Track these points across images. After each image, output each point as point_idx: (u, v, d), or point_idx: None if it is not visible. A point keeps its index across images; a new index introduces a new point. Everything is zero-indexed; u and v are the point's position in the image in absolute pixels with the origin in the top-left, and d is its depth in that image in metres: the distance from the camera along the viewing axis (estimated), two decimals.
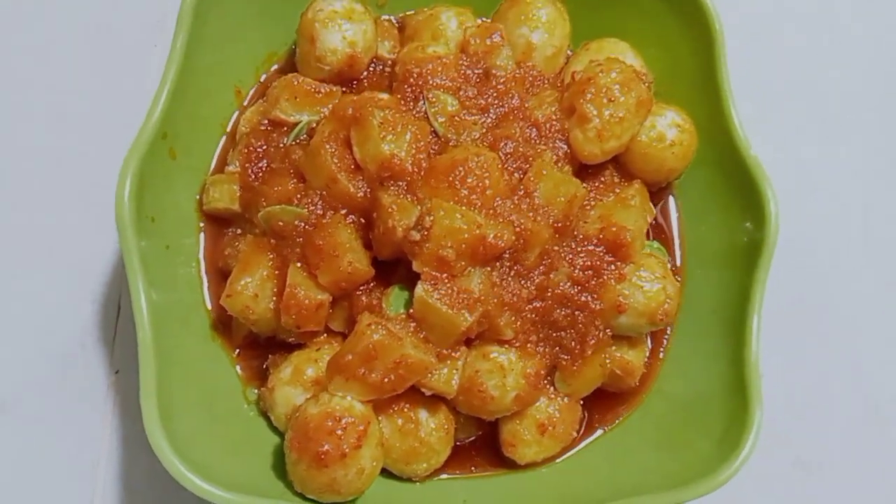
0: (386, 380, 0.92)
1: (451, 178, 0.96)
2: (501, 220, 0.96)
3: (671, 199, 1.18)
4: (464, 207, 0.95)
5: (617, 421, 1.09)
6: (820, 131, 1.38)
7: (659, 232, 1.16)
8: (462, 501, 1.01)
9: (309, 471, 0.90)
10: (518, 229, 0.96)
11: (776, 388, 1.19)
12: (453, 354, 0.97)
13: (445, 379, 0.96)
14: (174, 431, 0.92)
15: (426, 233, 0.92)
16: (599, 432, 1.09)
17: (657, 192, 1.15)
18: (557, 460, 1.06)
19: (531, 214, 0.98)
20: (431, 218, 0.92)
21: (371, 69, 1.13)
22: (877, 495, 1.24)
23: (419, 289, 0.93)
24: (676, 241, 1.16)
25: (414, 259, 0.94)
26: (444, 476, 1.05)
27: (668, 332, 1.13)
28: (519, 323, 0.98)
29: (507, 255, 0.97)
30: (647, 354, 1.11)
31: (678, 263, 1.15)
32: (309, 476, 0.91)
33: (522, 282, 0.98)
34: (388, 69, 1.13)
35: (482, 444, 1.07)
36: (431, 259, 0.93)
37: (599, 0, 1.16)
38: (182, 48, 1.02)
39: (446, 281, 0.94)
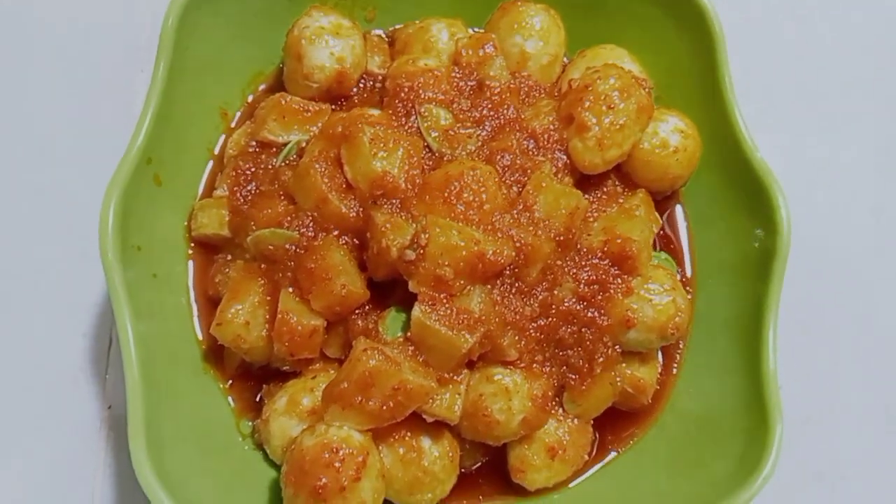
0: (384, 407, 0.88)
1: (446, 194, 0.92)
2: (500, 235, 0.92)
3: (678, 208, 1.13)
4: (460, 224, 0.91)
5: (630, 442, 1.04)
6: (826, 129, 1.34)
7: (667, 243, 1.12)
8: None
9: None
10: (518, 244, 0.92)
11: (791, 398, 1.14)
12: (455, 378, 0.92)
13: (448, 404, 0.92)
14: (165, 468, 0.87)
15: (422, 251, 0.88)
16: (612, 455, 1.04)
17: (663, 201, 1.11)
18: (569, 486, 1.01)
19: (531, 229, 0.94)
20: (427, 236, 0.88)
21: (361, 85, 1.09)
22: None
23: (416, 310, 0.89)
24: (686, 251, 1.12)
25: (410, 279, 0.90)
26: None
27: (681, 346, 1.08)
28: (523, 342, 0.94)
29: (507, 272, 0.93)
30: (660, 371, 1.06)
31: (689, 274, 1.11)
32: None
33: (525, 299, 0.94)
34: (378, 85, 1.09)
35: (489, 470, 1.02)
36: (428, 278, 0.89)
37: (594, 7, 1.13)
38: (164, 73, 0.99)
39: (444, 301, 0.89)
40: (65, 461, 1.13)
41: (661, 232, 1.12)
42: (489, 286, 0.92)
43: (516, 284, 0.93)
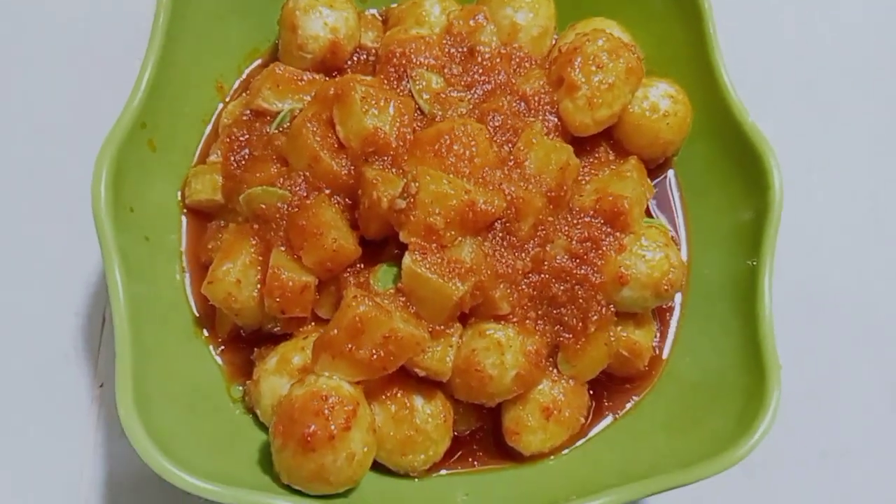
0: (375, 356, 0.86)
1: (436, 148, 0.92)
2: (491, 188, 0.92)
3: (671, 178, 1.13)
4: (451, 175, 0.91)
5: (627, 407, 1.02)
6: (826, 129, 1.34)
7: (661, 212, 1.12)
8: (464, 495, 0.94)
9: (295, 457, 0.84)
10: (509, 198, 0.92)
11: (794, 377, 1.12)
12: (447, 331, 0.91)
13: (439, 357, 0.90)
14: (152, 423, 0.86)
15: (412, 200, 0.88)
16: (609, 420, 1.02)
17: (655, 170, 1.11)
18: (564, 451, 0.99)
19: (522, 184, 0.94)
20: (417, 185, 0.88)
21: (355, 59, 1.11)
22: None
23: (407, 259, 0.88)
24: (680, 220, 1.12)
25: (401, 230, 0.89)
26: (443, 472, 0.98)
27: (677, 313, 1.07)
28: (515, 296, 0.93)
29: (498, 226, 0.92)
30: (657, 337, 1.05)
31: (683, 242, 1.10)
32: (295, 463, 0.84)
33: (517, 253, 0.93)
34: (372, 58, 1.11)
35: (484, 435, 1.00)
36: (419, 227, 0.88)
37: None
38: (160, 39, 1.00)
39: (435, 251, 0.89)
40: (55, 438, 1.11)
41: (655, 201, 1.12)
42: (480, 238, 0.91)
43: (508, 238, 0.93)
